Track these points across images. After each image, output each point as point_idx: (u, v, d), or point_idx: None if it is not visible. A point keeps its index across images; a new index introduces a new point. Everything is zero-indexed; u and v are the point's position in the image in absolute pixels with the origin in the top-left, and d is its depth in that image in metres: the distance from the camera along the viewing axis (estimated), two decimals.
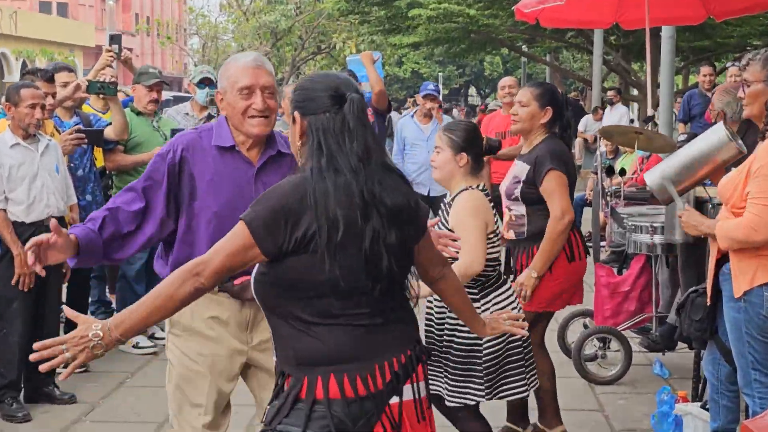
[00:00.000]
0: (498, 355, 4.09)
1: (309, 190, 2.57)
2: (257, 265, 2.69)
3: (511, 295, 4.24)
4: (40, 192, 5.54)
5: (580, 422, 5.37)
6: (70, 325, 6.71)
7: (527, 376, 4.19)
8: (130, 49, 7.56)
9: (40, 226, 5.54)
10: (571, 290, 4.93)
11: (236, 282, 3.38)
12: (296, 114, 2.69)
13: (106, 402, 5.82)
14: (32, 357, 2.57)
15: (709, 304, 4.26)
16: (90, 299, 7.16)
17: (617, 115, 15.62)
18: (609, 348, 6.24)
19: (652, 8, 7.65)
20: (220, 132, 3.42)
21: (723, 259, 4.08)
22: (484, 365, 4.05)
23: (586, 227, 11.75)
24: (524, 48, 23.58)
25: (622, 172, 7.78)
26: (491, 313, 4.00)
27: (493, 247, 4.13)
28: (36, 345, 2.56)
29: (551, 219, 4.66)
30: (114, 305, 7.41)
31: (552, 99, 4.91)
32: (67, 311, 2.68)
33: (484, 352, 4.05)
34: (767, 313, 3.92)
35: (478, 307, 4.03)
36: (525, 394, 4.24)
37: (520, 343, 4.16)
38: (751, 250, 3.91)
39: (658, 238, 6.02)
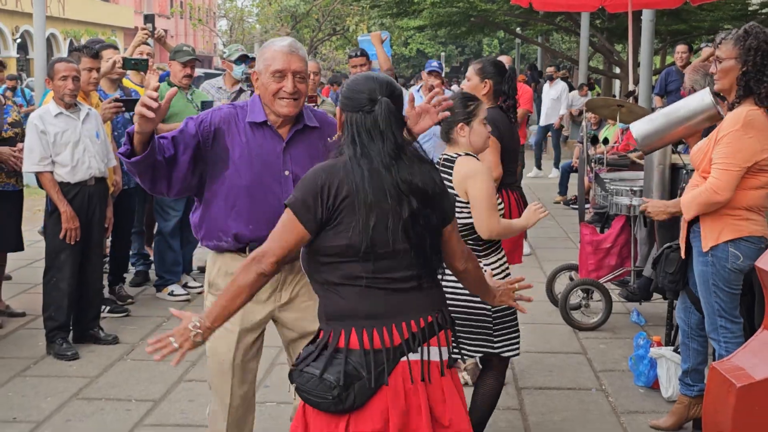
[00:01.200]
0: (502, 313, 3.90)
1: (344, 169, 2.64)
2: None
3: (502, 259, 4.02)
4: (82, 155, 5.53)
5: (566, 364, 5.39)
6: (115, 275, 6.78)
7: (518, 340, 3.96)
8: (165, 30, 7.53)
9: (84, 186, 5.56)
10: (509, 247, 4.65)
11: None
12: (338, 109, 2.77)
13: (144, 343, 5.84)
14: (147, 350, 2.73)
15: (680, 258, 4.26)
16: (130, 252, 7.20)
17: (556, 91, 15.22)
18: (592, 298, 6.25)
19: None
20: (253, 109, 3.38)
21: (694, 218, 4.08)
22: (495, 322, 3.84)
23: (572, 191, 11.75)
24: (518, 30, 23.40)
25: (605, 141, 7.74)
26: (500, 271, 3.92)
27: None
28: (150, 341, 2.73)
29: None
30: (152, 257, 7.45)
31: (490, 73, 4.98)
32: (173, 311, 2.87)
33: (494, 310, 3.85)
34: (732, 267, 3.93)
35: (486, 266, 3.87)
36: (516, 353, 3.97)
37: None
38: (717, 210, 3.91)
39: (636, 200, 6.01)
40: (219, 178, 3.37)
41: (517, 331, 3.92)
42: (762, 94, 3.83)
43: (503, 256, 4.01)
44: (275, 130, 3.37)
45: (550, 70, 16.57)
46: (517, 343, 3.92)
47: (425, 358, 2.71)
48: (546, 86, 15.64)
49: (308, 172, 2.71)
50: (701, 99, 4.24)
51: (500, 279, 3.85)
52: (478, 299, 3.65)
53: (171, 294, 6.90)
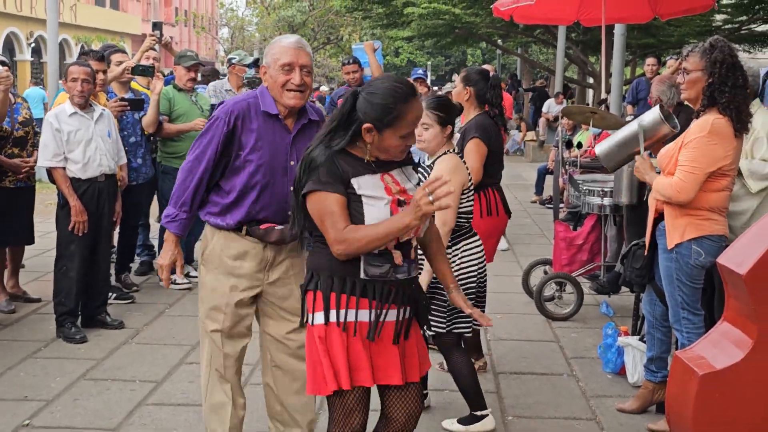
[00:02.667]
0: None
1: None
2: None
3: (480, 246, 4.14)
4: (94, 153, 5.51)
5: (540, 351, 5.39)
6: (121, 264, 6.76)
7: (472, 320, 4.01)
8: (171, 37, 7.55)
9: (94, 182, 5.53)
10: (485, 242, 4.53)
11: (262, 227, 3.40)
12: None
13: (148, 328, 5.83)
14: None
15: (647, 254, 4.28)
16: (136, 243, 7.18)
17: None
18: (564, 291, 6.26)
19: (608, 9, 7.60)
20: (265, 100, 3.36)
21: (660, 217, 4.10)
22: (447, 301, 3.93)
23: (548, 192, 11.77)
24: (499, 42, 23.39)
25: (579, 145, 7.77)
26: (459, 259, 4.04)
27: (467, 201, 4.06)
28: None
29: None
30: (155, 249, 7.44)
31: (473, 80, 4.99)
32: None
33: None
34: (694, 263, 3.94)
35: (450, 254, 3.99)
36: (469, 331, 4.11)
37: (474, 287, 4.10)
38: (681, 210, 3.93)
39: (607, 201, 6.04)
40: (234, 164, 3.38)
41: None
42: (724, 103, 3.84)
43: (475, 240, 4.12)
44: (284, 123, 3.39)
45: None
46: (468, 321, 4.04)
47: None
48: None
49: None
50: (651, 115, 4.26)
51: (472, 265, 4.06)
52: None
53: (174, 282, 6.86)
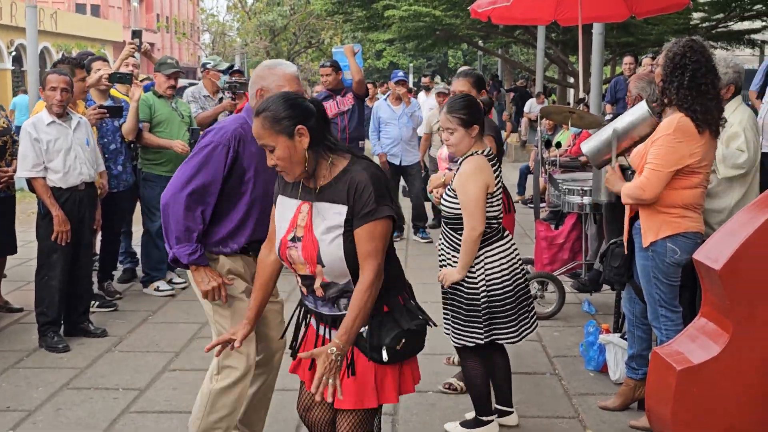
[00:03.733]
0: (493, 304, 3.95)
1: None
2: (340, 239, 2.78)
3: (509, 248, 4.03)
4: (74, 162, 5.48)
5: (522, 350, 5.40)
6: (104, 272, 6.73)
7: (518, 326, 4.01)
8: (151, 44, 7.57)
9: (75, 191, 5.51)
10: None
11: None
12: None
13: (131, 335, 5.81)
14: (316, 398, 2.68)
15: (625, 253, 4.30)
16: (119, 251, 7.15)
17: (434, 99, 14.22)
18: (546, 290, 6.28)
19: (584, 8, 7.63)
20: None
21: (635, 217, 4.12)
22: (482, 312, 3.93)
23: (528, 191, 11.81)
24: (480, 43, 23.43)
25: (558, 145, 7.80)
26: (485, 266, 3.93)
27: (492, 206, 3.93)
28: (314, 396, 2.66)
29: None
30: (137, 256, 7.41)
31: (483, 84, 4.92)
32: (302, 354, 2.83)
33: (482, 301, 3.92)
34: (670, 261, 3.97)
35: (477, 257, 3.92)
36: (516, 340, 4.04)
37: (513, 294, 3.99)
38: (656, 208, 3.94)
39: (587, 200, 6.07)
40: (236, 191, 3.46)
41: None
42: (680, 103, 3.87)
43: (504, 244, 4.02)
44: None
45: (425, 80, 14.80)
46: (511, 328, 4.02)
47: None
48: (422, 95, 13.85)
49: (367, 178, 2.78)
50: (639, 109, 4.27)
51: (504, 268, 3.97)
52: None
53: (157, 289, 6.86)
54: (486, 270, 3.94)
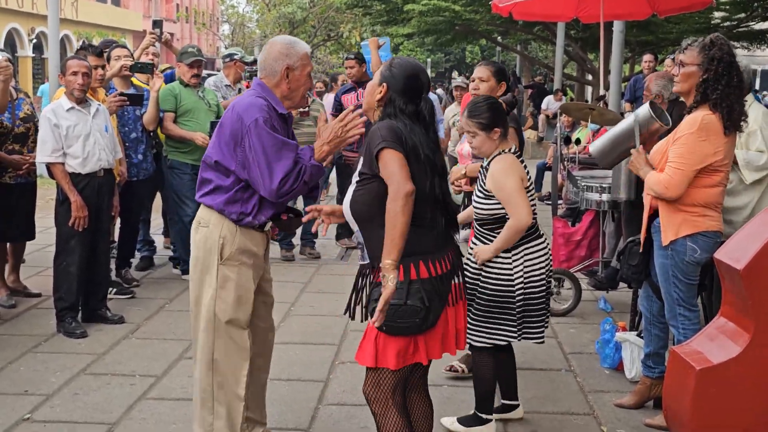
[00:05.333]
0: (529, 302, 3.91)
1: (403, 127, 3.01)
2: (353, 188, 3.08)
3: (546, 247, 3.98)
4: (93, 148, 5.49)
5: (538, 347, 5.37)
6: (122, 259, 6.76)
7: (544, 324, 4.00)
8: (171, 34, 7.57)
9: (93, 177, 5.52)
10: None
11: (284, 217, 3.59)
12: (384, 85, 3.09)
13: (148, 323, 5.83)
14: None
15: (642, 251, 4.27)
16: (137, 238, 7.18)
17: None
18: (563, 286, 6.25)
19: (606, 6, 7.59)
20: (276, 101, 3.49)
21: (655, 214, 4.09)
22: (517, 310, 3.89)
23: (546, 188, 11.76)
24: (499, 39, 23.38)
25: (578, 141, 7.76)
26: (523, 265, 3.88)
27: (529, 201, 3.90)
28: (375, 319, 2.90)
29: None
30: (155, 244, 7.45)
31: (504, 76, 4.73)
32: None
33: (517, 299, 3.89)
34: (689, 260, 3.94)
35: (509, 257, 3.87)
36: (542, 339, 4.04)
37: (546, 292, 3.98)
38: (676, 206, 3.91)
39: (605, 197, 6.03)
40: None
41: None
42: (716, 100, 3.83)
43: (540, 243, 3.97)
44: (286, 118, 3.57)
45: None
46: (540, 329, 4.02)
47: (460, 281, 3.17)
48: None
49: (378, 125, 3.01)
50: (642, 111, 4.23)
51: (540, 269, 3.95)
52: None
53: (185, 272, 6.93)
54: (525, 268, 3.89)
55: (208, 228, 3.52)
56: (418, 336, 3.02)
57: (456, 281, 3.14)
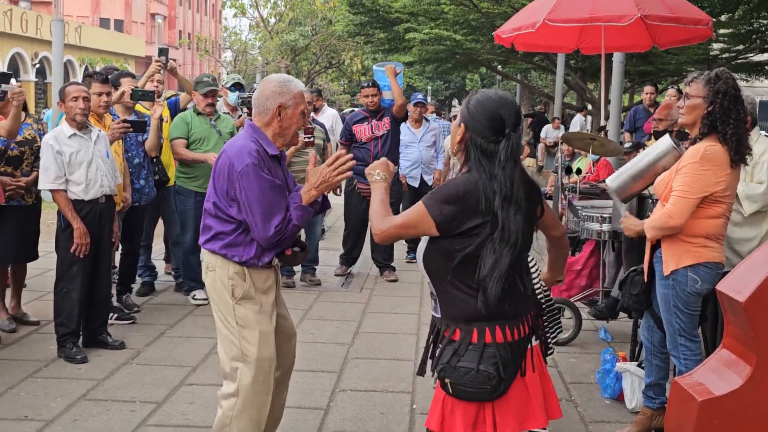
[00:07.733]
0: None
1: (480, 187, 2.73)
2: (426, 242, 2.86)
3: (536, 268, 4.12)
4: (95, 174, 5.51)
5: None
6: (123, 284, 6.76)
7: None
8: (174, 60, 7.57)
9: (96, 204, 5.54)
10: None
11: (288, 252, 3.57)
12: (462, 126, 2.84)
13: (149, 348, 5.82)
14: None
15: (645, 281, 4.28)
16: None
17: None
18: (563, 316, 6.24)
19: (607, 38, 7.64)
20: (267, 142, 3.50)
21: (657, 244, 4.10)
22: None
23: None
24: (499, 68, 23.50)
25: (578, 171, 7.79)
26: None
27: None
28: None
29: None
30: (157, 270, 7.45)
31: None
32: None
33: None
34: (691, 290, 3.95)
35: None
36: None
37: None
38: (678, 237, 3.93)
39: (606, 227, 6.04)
40: None
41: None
42: (728, 134, 3.86)
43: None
44: (279, 159, 3.58)
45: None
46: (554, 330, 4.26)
47: (536, 343, 2.93)
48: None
49: (446, 184, 2.82)
50: (664, 143, 4.27)
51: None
52: None
53: (193, 297, 7.05)
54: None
55: (215, 272, 3.57)
56: (486, 404, 2.79)
57: (532, 344, 2.91)
